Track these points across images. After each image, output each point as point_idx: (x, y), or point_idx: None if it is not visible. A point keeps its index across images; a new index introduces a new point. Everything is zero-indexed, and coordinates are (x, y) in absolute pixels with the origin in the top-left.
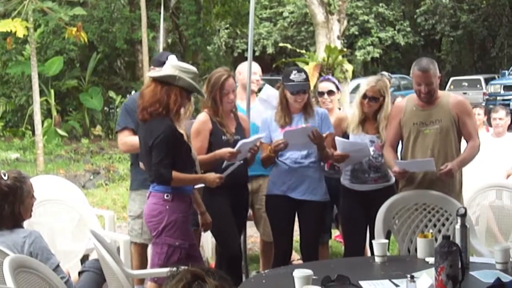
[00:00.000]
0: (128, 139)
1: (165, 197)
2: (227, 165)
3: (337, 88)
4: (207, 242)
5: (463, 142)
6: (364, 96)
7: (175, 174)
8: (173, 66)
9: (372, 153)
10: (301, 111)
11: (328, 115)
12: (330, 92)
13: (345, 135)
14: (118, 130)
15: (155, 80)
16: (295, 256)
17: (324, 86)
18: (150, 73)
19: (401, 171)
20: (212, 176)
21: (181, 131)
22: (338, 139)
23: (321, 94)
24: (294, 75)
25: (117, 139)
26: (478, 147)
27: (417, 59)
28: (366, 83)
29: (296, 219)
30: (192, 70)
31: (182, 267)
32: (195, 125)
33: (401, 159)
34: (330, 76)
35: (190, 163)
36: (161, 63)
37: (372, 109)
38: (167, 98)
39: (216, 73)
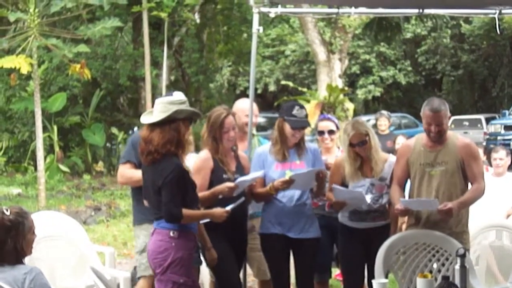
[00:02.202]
0: (127, 172)
1: (171, 234)
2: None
3: (337, 127)
4: (206, 278)
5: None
6: (352, 145)
7: (185, 211)
8: (168, 103)
9: (369, 200)
10: (294, 147)
11: (319, 152)
12: (331, 132)
13: (344, 181)
14: (121, 162)
15: (160, 123)
16: None
17: (325, 125)
18: (151, 119)
19: (403, 209)
20: (218, 211)
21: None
22: (335, 187)
23: (321, 133)
24: (297, 111)
25: (118, 170)
26: (483, 191)
27: (428, 99)
28: (346, 134)
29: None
30: (184, 99)
31: None
32: (197, 163)
33: (408, 197)
34: (330, 115)
35: (195, 200)
36: None
37: (367, 151)
38: (178, 134)
39: (216, 112)
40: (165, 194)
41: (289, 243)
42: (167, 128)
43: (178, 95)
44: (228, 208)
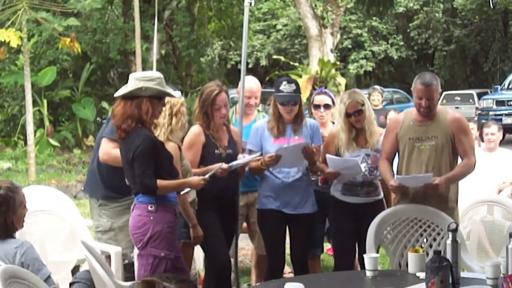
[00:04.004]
0: (114, 151)
1: (149, 208)
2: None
3: (333, 102)
4: (198, 254)
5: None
6: (348, 115)
7: (160, 182)
8: (136, 78)
9: (363, 169)
10: (292, 123)
11: (319, 128)
12: (326, 106)
13: (339, 152)
14: (107, 136)
15: (124, 97)
16: (286, 269)
17: (321, 99)
18: (117, 92)
19: (398, 185)
20: (195, 179)
21: (172, 143)
22: (329, 156)
23: (317, 107)
24: (284, 86)
25: (103, 144)
26: (473, 165)
27: (420, 73)
28: (342, 103)
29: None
30: (155, 76)
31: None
32: (188, 138)
33: (396, 172)
34: (326, 90)
35: (173, 172)
36: None
37: (362, 122)
38: (138, 111)
39: (208, 88)
40: (137, 166)
41: (285, 219)
42: (129, 104)
43: (155, 73)
44: (206, 176)
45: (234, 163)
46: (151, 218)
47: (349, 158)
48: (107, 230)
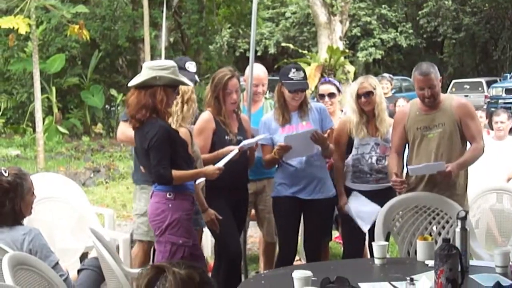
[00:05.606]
0: (129, 130)
1: (168, 195)
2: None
3: (338, 90)
4: (207, 241)
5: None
6: (358, 96)
7: (175, 172)
8: (149, 68)
9: (368, 159)
10: (297, 109)
11: (326, 109)
12: (331, 95)
13: (350, 139)
14: (122, 119)
15: (137, 87)
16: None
17: (325, 88)
18: (131, 82)
19: (401, 180)
20: (211, 168)
21: (184, 129)
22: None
23: (322, 96)
24: (293, 74)
25: (120, 125)
26: (482, 150)
27: (417, 64)
28: (355, 84)
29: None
30: (169, 65)
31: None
32: (198, 124)
33: (406, 163)
34: (331, 78)
35: (189, 160)
36: (179, 68)
37: (372, 105)
38: (153, 100)
39: (220, 73)
40: (152, 156)
41: (301, 205)
42: (143, 93)
43: (169, 62)
44: (220, 164)
45: (246, 142)
46: (170, 205)
47: (302, 131)
48: (141, 214)
